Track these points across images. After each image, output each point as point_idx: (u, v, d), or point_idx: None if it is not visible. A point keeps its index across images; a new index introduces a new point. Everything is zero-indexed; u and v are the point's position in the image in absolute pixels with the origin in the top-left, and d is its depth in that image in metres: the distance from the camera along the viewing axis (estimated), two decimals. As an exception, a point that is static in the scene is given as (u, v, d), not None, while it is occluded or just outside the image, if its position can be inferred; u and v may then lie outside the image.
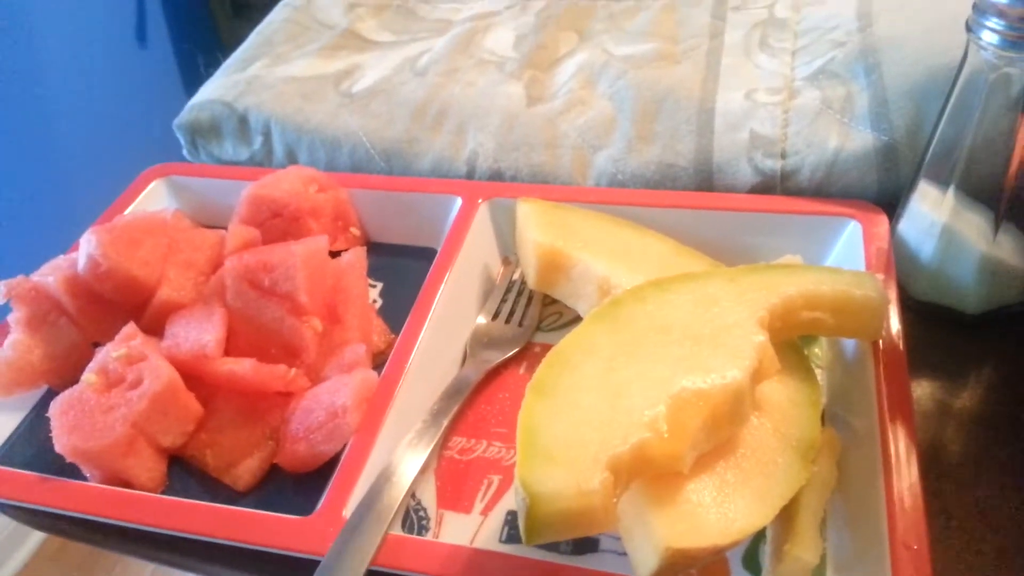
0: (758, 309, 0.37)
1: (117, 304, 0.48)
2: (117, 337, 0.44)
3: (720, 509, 0.32)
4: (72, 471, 0.42)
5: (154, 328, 0.47)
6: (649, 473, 0.32)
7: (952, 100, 0.40)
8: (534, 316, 0.48)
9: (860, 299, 0.38)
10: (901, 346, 0.40)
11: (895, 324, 0.40)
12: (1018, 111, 0.38)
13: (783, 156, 0.49)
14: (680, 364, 0.34)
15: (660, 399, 0.33)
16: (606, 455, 0.31)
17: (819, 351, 0.44)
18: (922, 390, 0.42)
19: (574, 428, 0.32)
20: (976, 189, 0.41)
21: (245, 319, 0.46)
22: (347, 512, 0.37)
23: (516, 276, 0.51)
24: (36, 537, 1.43)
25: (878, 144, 0.47)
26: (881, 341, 0.40)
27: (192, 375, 0.44)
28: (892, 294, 0.42)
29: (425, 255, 0.52)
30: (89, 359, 0.44)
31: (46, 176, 1.23)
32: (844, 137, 0.48)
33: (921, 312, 0.45)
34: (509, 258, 0.53)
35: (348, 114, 0.58)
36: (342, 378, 0.42)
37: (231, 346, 0.46)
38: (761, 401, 0.37)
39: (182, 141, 0.63)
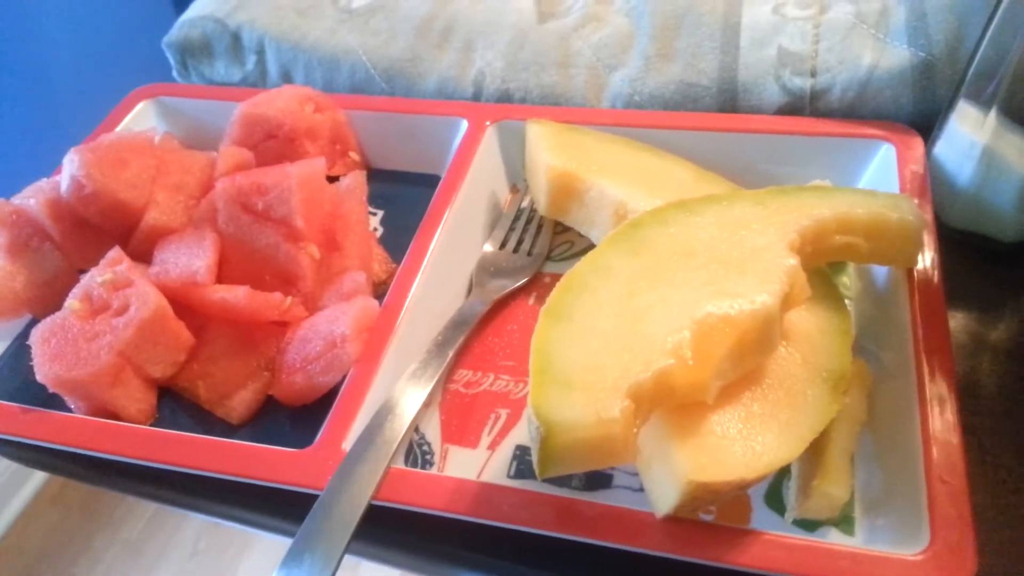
0: (788, 232, 0.35)
1: (103, 229, 0.45)
2: (102, 262, 0.42)
3: (746, 442, 0.30)
4: (60, 404, 0.40)
5: (142, 255, 0.44)
6: (671, 403, 0.30)
7: (998, 13, 0.37)
8: (544, 245, 0.46)
9: (896, 223, 0.36)
10: (937, 276, 0.37)
11: (930, 253, 0.38)
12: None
13: (813, 74, 0.45)
14: (705, 289, 0.32)
15: (684, 324, 0.30)
16: (627, 382, 0.28)
17: (847, 280, 0.41)
18: (955, 322, 0.40)
19: (592, 353, 0.30)
20: (1021, 110, 0.38)
21: (238, 245, 0.43)
22: (347, 445, 0.35)
23: (525, 204, 0.48)
24: (37, 480, 1.42)
25: (915, 61, 0.44)
26: (916, 271, 0.37)
27: (182, 303, 0.41)
28: (928, 220, 0.39)
29: (428, 182, 0.49)
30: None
31: (28, 97, 1.17)
32: (879, 53, 0.45)
33: (954, 241, 0.42)
34: (517, 186, 0.50)
35: (347, 31, 0.55)
36: (341, 306, 0.40)
37: (224, 273, 0.43)
38: (789, 330, 0.35)
39: (172, 61, 0.59)
